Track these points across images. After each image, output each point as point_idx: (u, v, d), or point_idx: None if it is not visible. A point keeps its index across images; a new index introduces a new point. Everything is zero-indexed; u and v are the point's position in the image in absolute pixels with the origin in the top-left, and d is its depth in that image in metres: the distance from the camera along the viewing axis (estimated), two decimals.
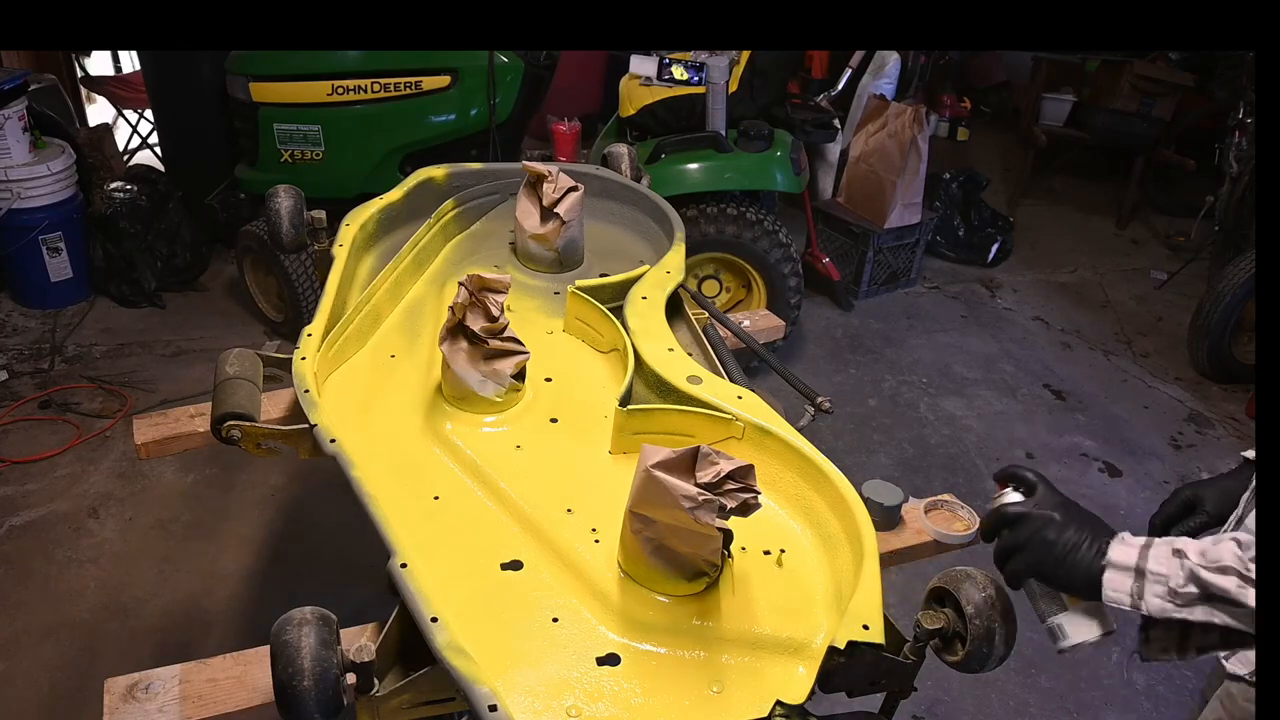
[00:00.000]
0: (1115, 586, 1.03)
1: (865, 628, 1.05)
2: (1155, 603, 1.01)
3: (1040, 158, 5.76)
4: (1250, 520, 1.12)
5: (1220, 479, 1.29)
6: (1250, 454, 1.23)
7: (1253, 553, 0.95)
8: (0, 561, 2.63)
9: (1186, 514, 1.29)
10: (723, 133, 3.47)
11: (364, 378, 1.55)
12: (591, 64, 5.55)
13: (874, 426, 3.47)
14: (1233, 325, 3.82)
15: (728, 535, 1.15)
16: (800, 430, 1.37)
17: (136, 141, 5.00)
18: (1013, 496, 1.14)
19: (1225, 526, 1.19)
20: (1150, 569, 1.01)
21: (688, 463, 1.07)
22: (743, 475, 1.07)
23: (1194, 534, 1.26)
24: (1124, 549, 1.03)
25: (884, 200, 4.23)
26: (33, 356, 3.58)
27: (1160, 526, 1.30)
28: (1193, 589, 0.98)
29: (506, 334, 1.43)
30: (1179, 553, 1.00)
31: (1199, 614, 0.99)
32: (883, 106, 4.37)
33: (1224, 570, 0.96)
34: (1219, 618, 0.97)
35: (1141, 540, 1.04)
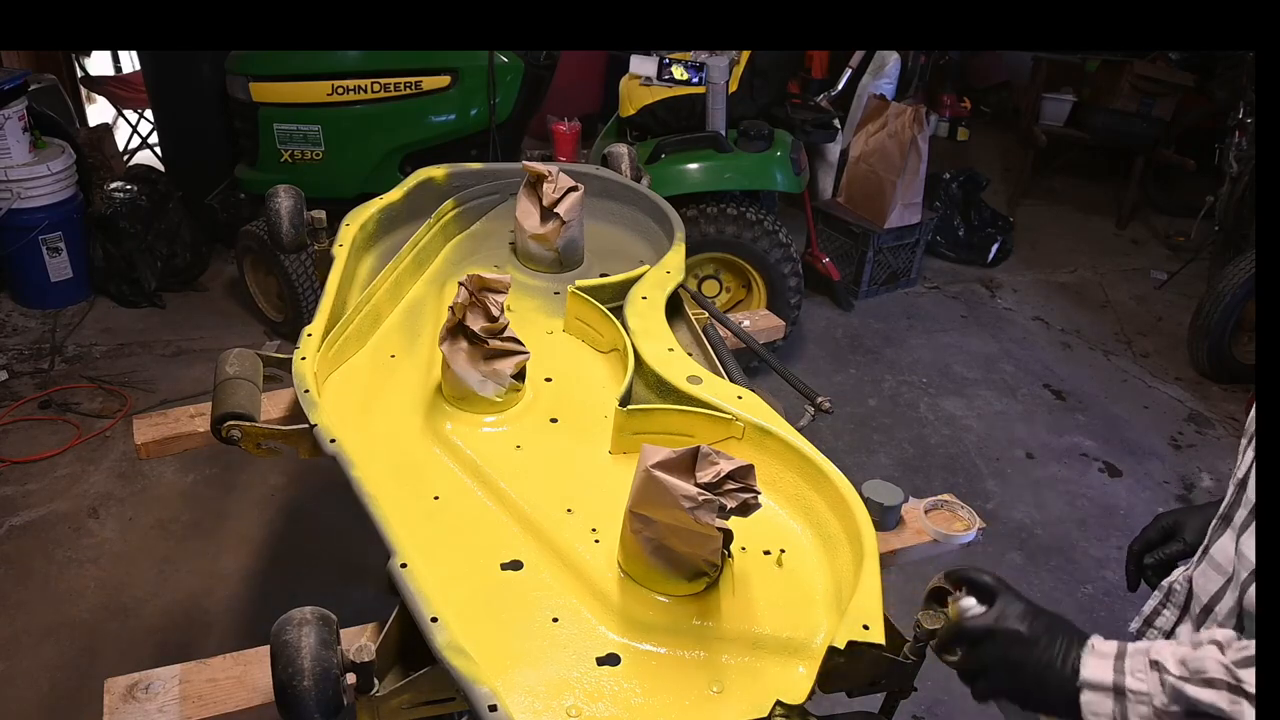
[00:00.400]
0: (1096, 710, 0.94)
1: (865, 628, 1.05)
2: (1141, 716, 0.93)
3: (1040, 158, 5.75)
4: (1214, 569, 1.07)
5: (1202, 508, 1.25)
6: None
7: (1234, 654, 0.88)
8: (0, 561, 2.63)
9: (1165, 540, 1.26)
10: (723, 133, 3.47)
11: (364, 378, 1.55)
12: (591, 64, 5.55)
13: (874, 426, 3.47)
14: (1233, 325, 3.82)
15: (728, 535, 1.15)
16: (800, 430, 1.37)
17: (136, 141, 5.00)
18: (969, 603, 1.03)
19: (1196, 555, 1.15)
20: (1130, 688, 0.93)
21: (688, 463, 1.07)
22: (743, 475, 1.07)
23: (1170, 561, 1.24)
24: (1098, 663, 0.95)
25: (884, 200, 4.23)
26: (33, 356, 3.58)
27: (1138, 553, 1.28)
28: (1178, 707, 0.89)
29: (506, 334, 1.43)
30: (1157, 665, 0.92)
31: None
32: (883, 106, 4.37)
33: (1210, 684, 0.88)
34: None
35: (1114, 649, 0.96)
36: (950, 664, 1.03)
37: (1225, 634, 0.91)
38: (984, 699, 1.03)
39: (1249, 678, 0.85)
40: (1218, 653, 0.88)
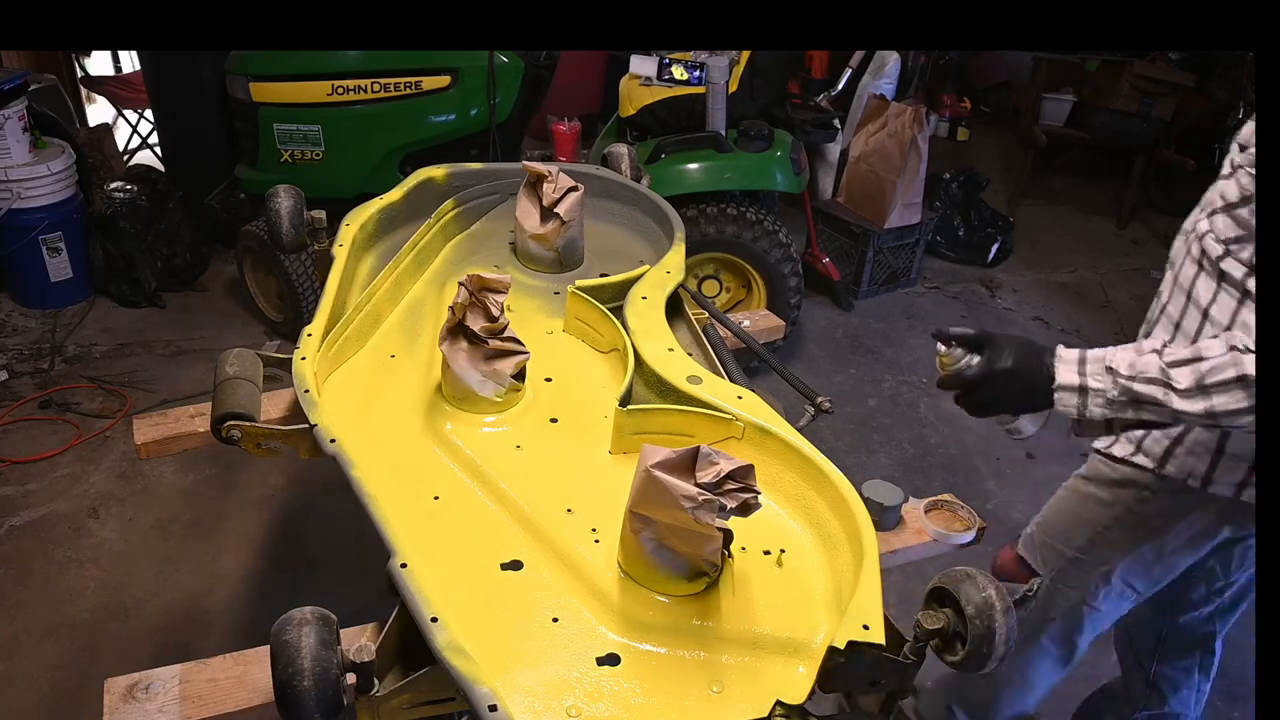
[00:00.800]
0: (1065, 403, 1.27)
1: (865, 628, 1.05)
2: (1096, 411, 1.27)
3: (1040, 158, 5.75)
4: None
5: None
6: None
7: (1168, 359, 1.21)
8: (0, 561, 2.63)
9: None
10: (723, 133, 3.47)
11: (364, 378, 1.55)
12: (591, 64, 5.55)
13: (874, 426, 3.47)
14: None
15: (728, 535, 1.15)
16: (800, 430, 1.37)
17: (136, 141, 5.01)
18: (965, 357, 1.32)
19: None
20: (1091, 386, 1.26)
21: (688, 463, 1.07)
22: (743, 475, 1.07)
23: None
24: (1066, 370, 1.27)
25: (884, 200, 4.23)
26: (33, 356, 3.58)
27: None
28: (1125, 398, 1.24)
29: (506, 334, 1.43)
30: (1111, 370, 1.24)
31: (1130, 414, 1.26)
32: (883, 106, 4.37)
33: (1150, 380, 1.22)
34: (1145, 415, 1.25)
35: (1075, 355, 1.28)
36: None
37: (1161, 343, 1.24)
38: (983, 415, 1.35)
39: (1177, 375, 1.20)
40: (1157, 359, 1.22)
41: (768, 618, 1.16)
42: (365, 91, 3.43)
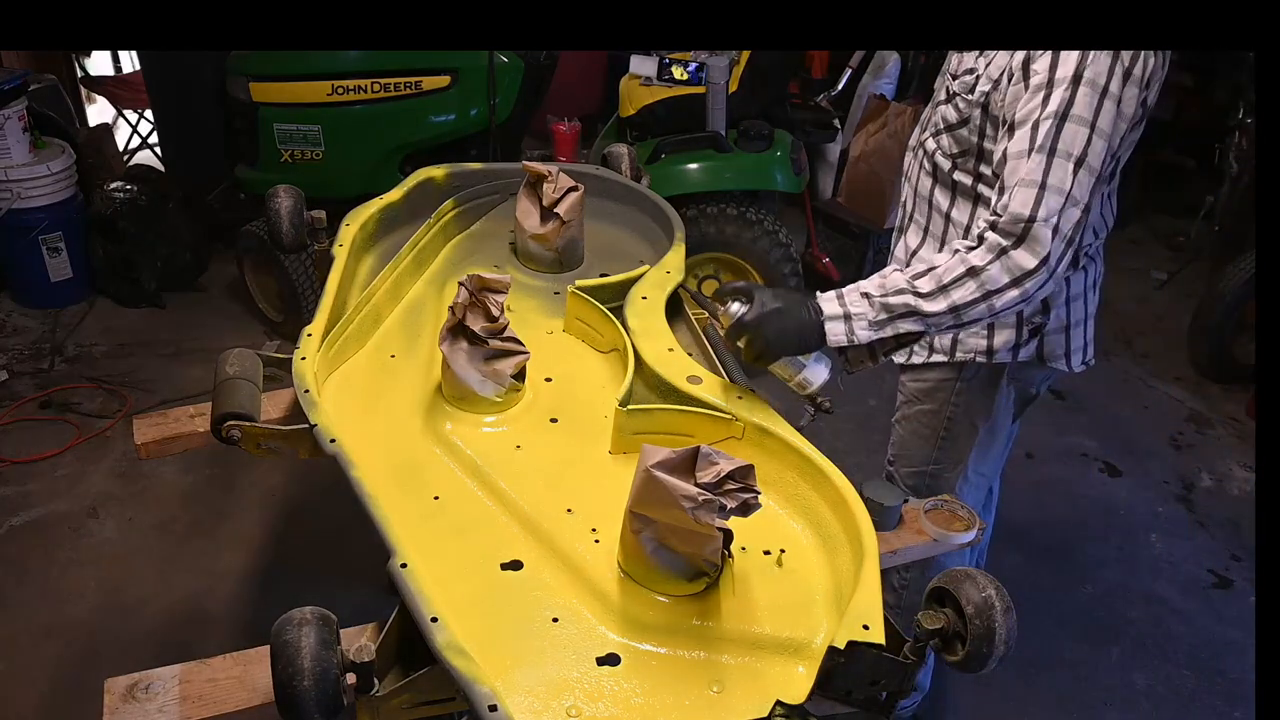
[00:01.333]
0: (834, 333, 1.42)
1: (865, 628, 1.05)
2: (863, 333, 1.42)
3: None
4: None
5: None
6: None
7: (909, 273, 1.40)
8: (0, 561, 2.63)
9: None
10: (723, 133, 3.47)
11: (364, 378, 1.55)
12: (591, 64, 5.55)
13: (874, 426, 3.46)
14: (1233, 325, 3.82)
15: (728, 535, 1.15)
16: (800, 430, 1.37)
17: (136, 141, 5.00)
18: (738, 307, 1.43)
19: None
20: (852, 311, 1.42)
21: (688, 463, 1.07)
22: (743, 475, 1.07)
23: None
24: (829, 304, 1.43)
25: (884, 200, 4.23)
26: (33, 356, 3.58)
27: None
28: (884, 315, 1.41)
29: (506, 334, 1.43)
30: (866, 295, 1.42)
31: (890, 330, 1.42)
32: (883, 106, 4.37)
33: (899, 291, 1.40)
34: (905, 326, 1.41)
35: (834, 293, 1.44)
36: (741, 353, 1.45)
37: (908, 265, 1.44)
38: (767, 361, 1.45)
39: (920, 283, 1.39)
40: (901, 275, 1.41)
41: (768, 618, 1.16)
42: (365, 91, 3.43)
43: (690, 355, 1.56)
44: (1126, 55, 1.36)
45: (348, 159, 3.55)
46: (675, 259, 1.80)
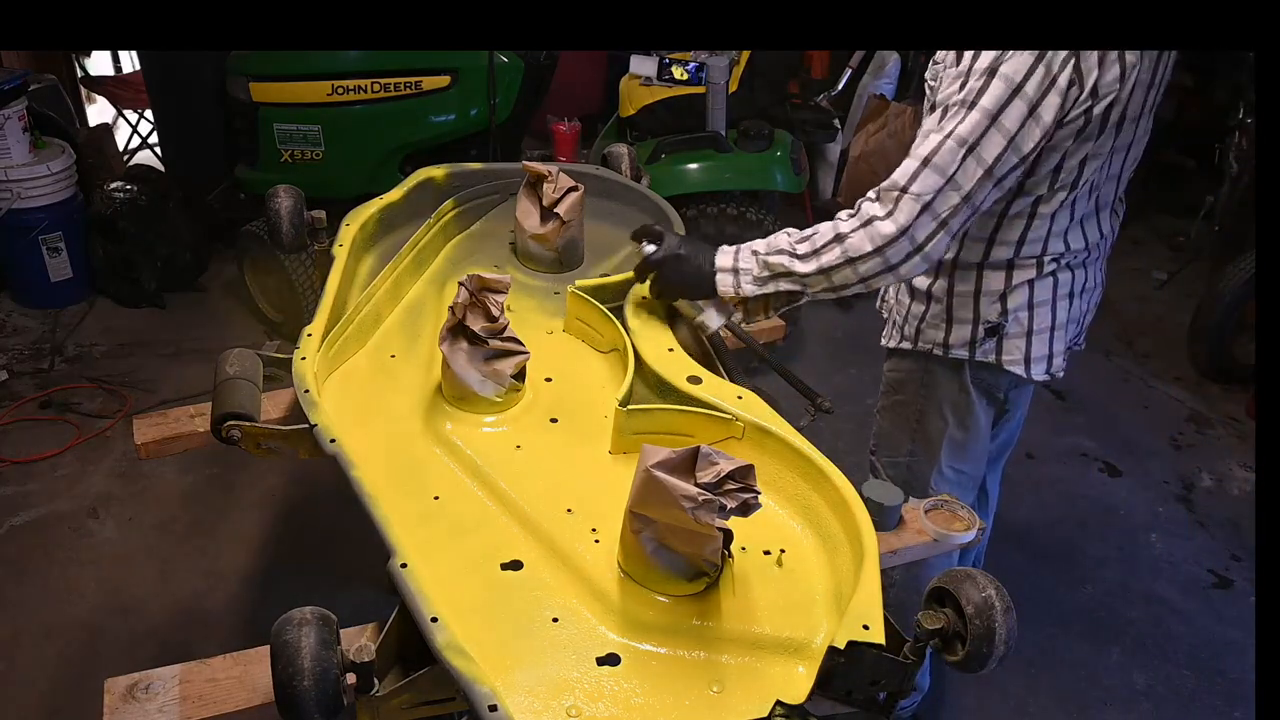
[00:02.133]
0: (723, 284, 1.57)
1: (865, 628, 1.05)
2: (748, 288, 1.56)
3: None
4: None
5: None
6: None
7: (795, 236, 1.54)
8: (0, 561, 2.63)
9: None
10: (723, 133, 3.47)
11: (364, 378, 1.55)
12: (591, 64, 5.55)
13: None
14: (1233, 325, 3.82)
15: (728, 535, 1.15)
16: (800, 430, 1.37)
17: (136, 141, 5.00)
18: (649, 247, 1.60)
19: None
20: (740, 267, 1.56)
21: (688, 463, 1.07)
22: (743, 475, 1.07)
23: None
24: (723, 257, 1.57)
25: None
26: (33, 356, 3.58)
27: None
28: (766, 272, 1.54)
29: (506, 334, 1.43)
30: (755, 253, 1.55)
31: (771, 287, 1.55)
32: (883, 106, 4.36)
33: (779, 251, 1.53)
34: (784, 285, 1.54)
35: (732, 249, 1.58)
36: (649, 289, 1.64)
37: (792, 230, 1.57)
38: (667, 299, 1.64)
39: (798, 246, 1.52)
40: (786, 238, 1.54)
41: (768, 618, 1.16)
42: (365, 91, 3.43)
43: (690, 355, 1.56)
44: (1059, 61, 1.36)
45: (348, 159, 3.54)
46: None
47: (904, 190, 1.42)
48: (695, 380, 1.45)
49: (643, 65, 3.55)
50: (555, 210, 1.78)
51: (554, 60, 3.69)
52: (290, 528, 2.81)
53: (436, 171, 1.97)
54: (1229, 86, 5.22)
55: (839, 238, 1.47)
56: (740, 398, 1.42)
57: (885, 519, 1.41)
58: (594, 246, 1.93)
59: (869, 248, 1.44)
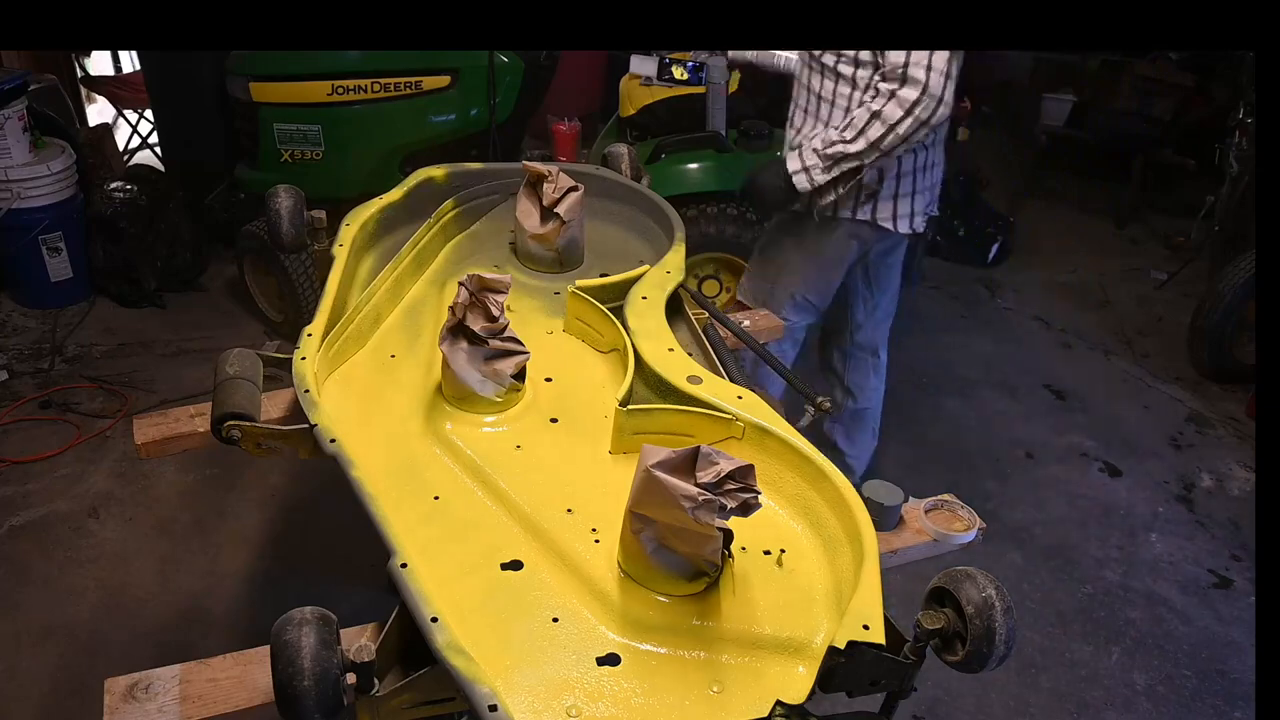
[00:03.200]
0: (800, 181, 2.20)
1: (865, 628, 1.05)
2: (819, 177, 2.16)
3: (1040, 158, 5.75)
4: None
5: None
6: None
7: (840, 127, 2.12)
8: (0, 561, 2.63)
9: None
10: (723, 133, 3.47)
11: (364, 378, 1.55)
12: (591, 64, 5.55)
13: None
14: (1233, 325, 3.82)
15: (728, 535, 1.15)
16: (800, 430, 1.37)
17: (136, 141, 5.00)
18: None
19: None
20: (807, 164, 2.16)
21: (688, 463, 1.07)
22: (743, 475, 1.07)
23: None
24: (792, 162, 2.19)
25: None
26: (33, 356, 3.58)
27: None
28: (829, 161, 2.12)
29: (506, 334, 1.43)
30: (815, 150, 2.14)
31: (836, 170, 2.14)
32: None
33: (832, 143, 2.10)
34: (845, 165, 2.12)
35: (794, 153, 2.18)
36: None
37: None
38: (766, 212, 2.55)
39: (845, 133, 2.08)
40: (834, 132, 2.11)
41: (768, 618, 1.16)
42: (365, 91, 3.43)
43: (690, 355, 1.55)
44: None
45: (348, 159, 3.55)
46: (675, 259, 1.80)
47: (906, 64, 1.89)
48: (695, 380, 1.45)
49: (643, 65, 3.55)
50: (555, 210, 1.77)
51: (554, 60, 3.69)
52: (290, 527, 2.81)
53: (436, 171, 1.97)
54: (1229, 86, 5.22)
55: (875, 115, 1.99)
56: (740, 398, 1.42)
57: (885, 519, 1.41)
58: (594, 246, 1.93)
59: (900, 113, 1.95)
